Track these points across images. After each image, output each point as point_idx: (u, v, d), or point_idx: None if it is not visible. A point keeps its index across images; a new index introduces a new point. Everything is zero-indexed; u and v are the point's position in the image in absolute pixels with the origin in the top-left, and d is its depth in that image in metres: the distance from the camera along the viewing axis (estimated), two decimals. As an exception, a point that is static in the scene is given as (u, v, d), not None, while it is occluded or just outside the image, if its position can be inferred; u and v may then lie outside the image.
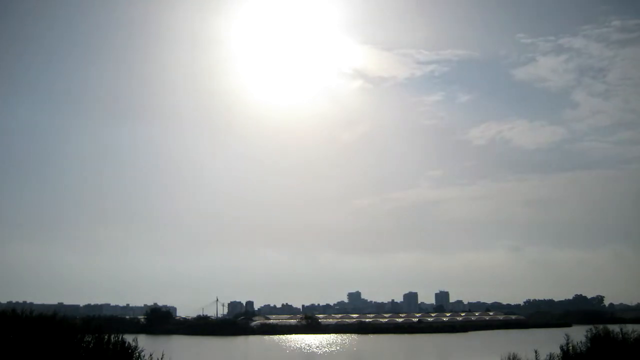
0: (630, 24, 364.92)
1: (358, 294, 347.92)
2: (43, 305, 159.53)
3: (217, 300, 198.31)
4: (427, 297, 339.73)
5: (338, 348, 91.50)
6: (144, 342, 25.21)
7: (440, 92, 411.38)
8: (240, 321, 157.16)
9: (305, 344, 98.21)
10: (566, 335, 29.96)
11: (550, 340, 38.64)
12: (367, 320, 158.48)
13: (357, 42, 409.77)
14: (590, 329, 30.08)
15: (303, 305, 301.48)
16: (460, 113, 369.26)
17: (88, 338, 22.31)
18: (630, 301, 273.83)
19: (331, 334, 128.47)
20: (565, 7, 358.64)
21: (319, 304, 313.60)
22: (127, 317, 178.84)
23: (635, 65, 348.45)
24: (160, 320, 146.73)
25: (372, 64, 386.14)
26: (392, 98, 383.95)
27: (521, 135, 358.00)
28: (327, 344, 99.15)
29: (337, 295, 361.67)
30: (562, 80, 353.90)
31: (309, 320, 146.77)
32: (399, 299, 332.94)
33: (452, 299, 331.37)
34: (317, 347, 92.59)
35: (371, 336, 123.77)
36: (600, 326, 30.64)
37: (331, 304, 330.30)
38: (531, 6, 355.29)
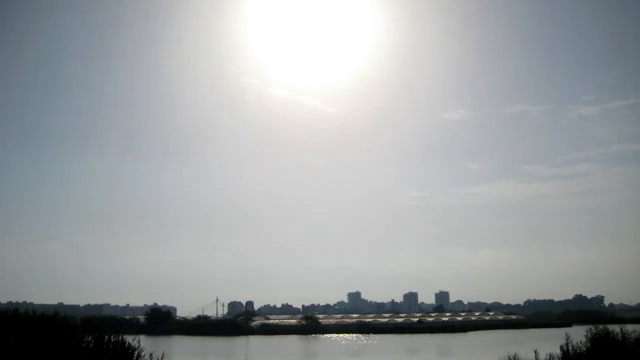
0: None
1: (358, 294, 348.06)
2: (43, 305, 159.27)
3: (217, 300, 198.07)
4: (427, 297, 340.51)
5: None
6: (144, 343, 25.21)
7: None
8: (240, 321, 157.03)
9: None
10: (566, 335, 29.94)
11: (550, 340, 38.68)
12: (367, 320, 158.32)
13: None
14: (590, 329, 30.04)
15: (303, 305, 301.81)
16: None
17: (88, 338, 22.29)
18: (630, 301, 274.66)
19: (354, 334, 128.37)
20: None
21: (319, 304, 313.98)
22: (127, 317, 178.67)
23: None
24: (160, 320, 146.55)
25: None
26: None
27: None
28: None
29: (337, 295, 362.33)
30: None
31: (309, 321, 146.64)
32: (399, 299, 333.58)
33: (452, 299, 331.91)
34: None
35: (371, 336, 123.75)
36: (600, 326, 30.61)
37: (331, 304, 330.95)
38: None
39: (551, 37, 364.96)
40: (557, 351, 29.53)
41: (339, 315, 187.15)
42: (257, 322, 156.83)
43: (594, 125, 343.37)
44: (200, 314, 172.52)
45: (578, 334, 30.72)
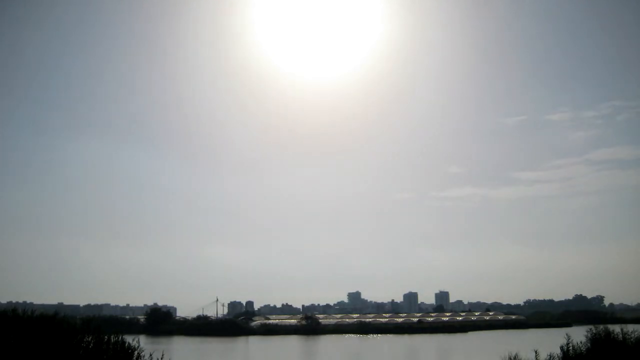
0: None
1: (358, 294, 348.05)
2: (43, 305, 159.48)
3: (217, 300, 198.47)
4: (427, 297, 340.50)
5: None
6: (144, 343, 25.20)
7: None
8: (240, 321, 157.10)
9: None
10: (567, 335, 29.89)
11: (550, 340, 38.65)
12: (367, 320, 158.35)
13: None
14: (591, 329, 29.99)
15: (303, 305, 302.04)
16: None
17: (88, 338, 22.27)
18: (630, 301, 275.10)
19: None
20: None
21: (319, 304, 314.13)
22: (127, 317, 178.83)
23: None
24: (160, 320, 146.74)
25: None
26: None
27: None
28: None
29: (337, 295, 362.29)
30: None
31: (309, 321, 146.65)
32: (399, 299, 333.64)
33: (452, 299, 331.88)
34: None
35: (371, 336, 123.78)
36: (601, 326, 30.55)
37: (331, 304, 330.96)
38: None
39: (529, 50, 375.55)
40: (558, 351, 29.47)
41: (339, 315, 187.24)
42: (257, 322, 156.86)
43: (571, 133, 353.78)
44: (200, 314, 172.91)
45: (578, 334, 30.68)
